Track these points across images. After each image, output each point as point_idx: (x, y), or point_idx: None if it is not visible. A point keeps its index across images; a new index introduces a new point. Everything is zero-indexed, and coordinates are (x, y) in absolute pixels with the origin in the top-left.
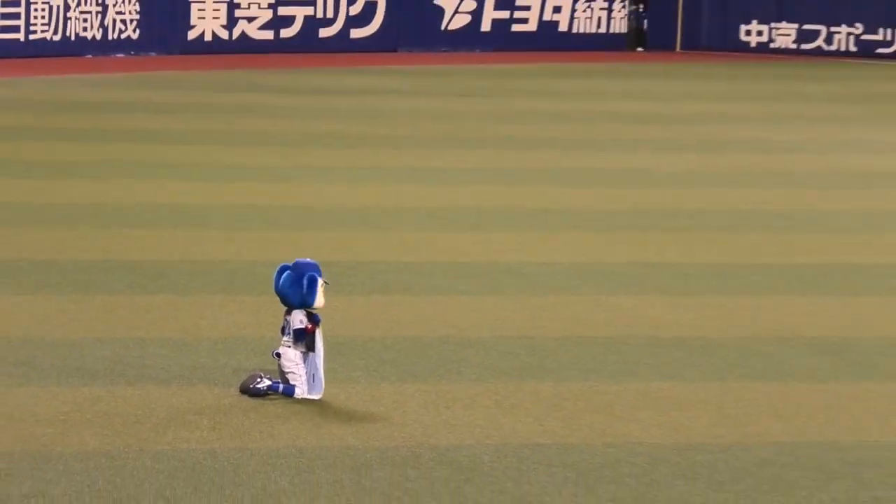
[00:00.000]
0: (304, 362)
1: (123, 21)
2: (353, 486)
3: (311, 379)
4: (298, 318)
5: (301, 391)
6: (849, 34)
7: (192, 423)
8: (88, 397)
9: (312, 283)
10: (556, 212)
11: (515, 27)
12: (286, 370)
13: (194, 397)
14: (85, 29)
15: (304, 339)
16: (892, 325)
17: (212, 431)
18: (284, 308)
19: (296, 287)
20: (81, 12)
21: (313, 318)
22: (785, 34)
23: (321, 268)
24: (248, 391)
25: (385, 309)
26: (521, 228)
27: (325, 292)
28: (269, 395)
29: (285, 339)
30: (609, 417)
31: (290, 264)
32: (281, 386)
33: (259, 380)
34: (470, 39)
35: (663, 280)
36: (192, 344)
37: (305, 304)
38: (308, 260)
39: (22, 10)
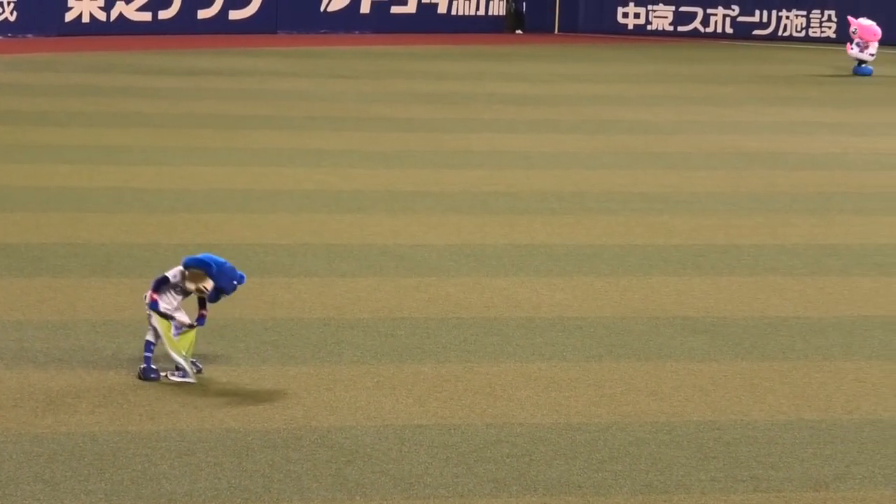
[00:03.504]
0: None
1: (1, 4)
2: (234, 468)
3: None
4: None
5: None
6: (725, 16)
7: (71, 407)
8: None
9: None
10: (433, 194)
11: (395, 9)
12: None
13: (73, 380)
14: None
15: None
16: (763, 305)
17: (91, 415)
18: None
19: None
20: None
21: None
22: (662, 16)
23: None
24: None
25: (265, 291)
26: (398, 210)
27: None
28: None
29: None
30: (489, 398)
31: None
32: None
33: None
34: (349, 21)
35: (539, 261)
36: (70, 326)
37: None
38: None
39: None
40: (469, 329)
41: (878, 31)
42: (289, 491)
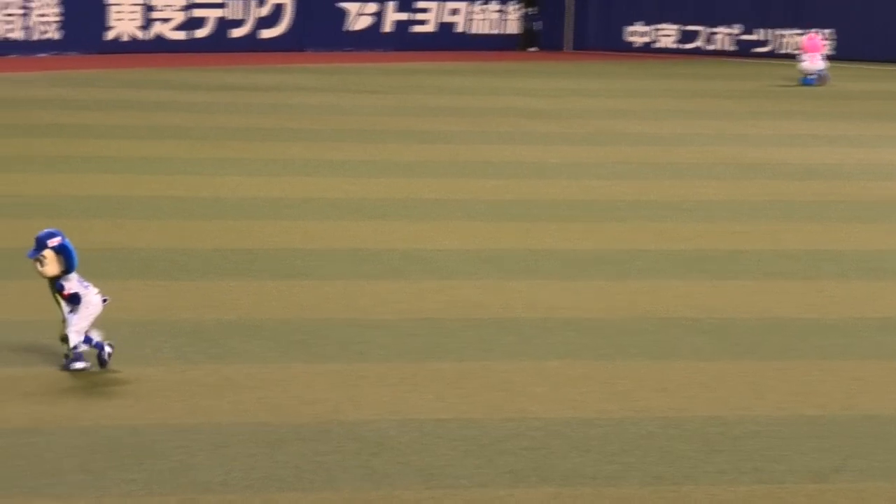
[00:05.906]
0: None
1: (46, 23)
2: (267, 459)
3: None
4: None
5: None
6: (727, 35)
7: (114, 401)
8: (11, 376)
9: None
10: (452, 201)
11: (415, 28)
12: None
13: (115, 376)
14: (9, 31)
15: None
16: (765, 307)
17: (132, 409)
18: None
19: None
20: (6, 15)
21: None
22: (667, 35)
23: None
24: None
25: (294, 293)
26: (419, 217)
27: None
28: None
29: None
30: (506, 394)
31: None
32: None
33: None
34: (373, 40)
35: (553, 265)
36: (111, 326)
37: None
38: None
39: None
40: (487, 329)
41: (822, 44)
42: (319, 481)
